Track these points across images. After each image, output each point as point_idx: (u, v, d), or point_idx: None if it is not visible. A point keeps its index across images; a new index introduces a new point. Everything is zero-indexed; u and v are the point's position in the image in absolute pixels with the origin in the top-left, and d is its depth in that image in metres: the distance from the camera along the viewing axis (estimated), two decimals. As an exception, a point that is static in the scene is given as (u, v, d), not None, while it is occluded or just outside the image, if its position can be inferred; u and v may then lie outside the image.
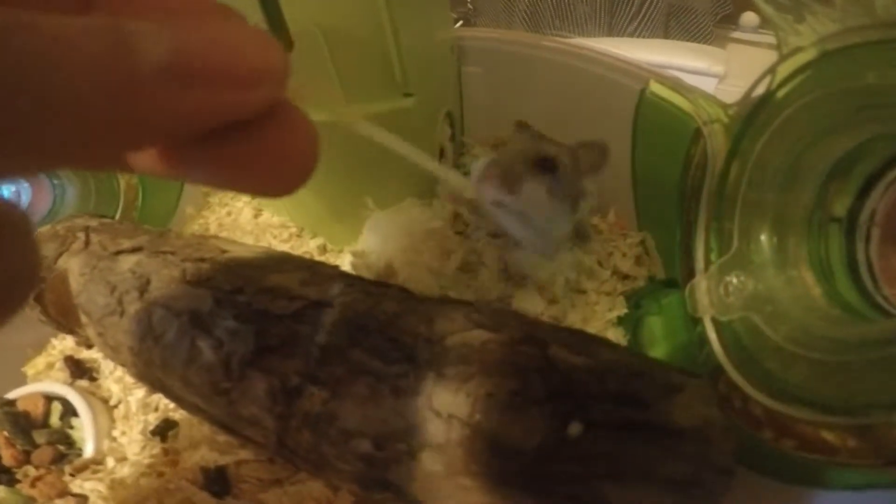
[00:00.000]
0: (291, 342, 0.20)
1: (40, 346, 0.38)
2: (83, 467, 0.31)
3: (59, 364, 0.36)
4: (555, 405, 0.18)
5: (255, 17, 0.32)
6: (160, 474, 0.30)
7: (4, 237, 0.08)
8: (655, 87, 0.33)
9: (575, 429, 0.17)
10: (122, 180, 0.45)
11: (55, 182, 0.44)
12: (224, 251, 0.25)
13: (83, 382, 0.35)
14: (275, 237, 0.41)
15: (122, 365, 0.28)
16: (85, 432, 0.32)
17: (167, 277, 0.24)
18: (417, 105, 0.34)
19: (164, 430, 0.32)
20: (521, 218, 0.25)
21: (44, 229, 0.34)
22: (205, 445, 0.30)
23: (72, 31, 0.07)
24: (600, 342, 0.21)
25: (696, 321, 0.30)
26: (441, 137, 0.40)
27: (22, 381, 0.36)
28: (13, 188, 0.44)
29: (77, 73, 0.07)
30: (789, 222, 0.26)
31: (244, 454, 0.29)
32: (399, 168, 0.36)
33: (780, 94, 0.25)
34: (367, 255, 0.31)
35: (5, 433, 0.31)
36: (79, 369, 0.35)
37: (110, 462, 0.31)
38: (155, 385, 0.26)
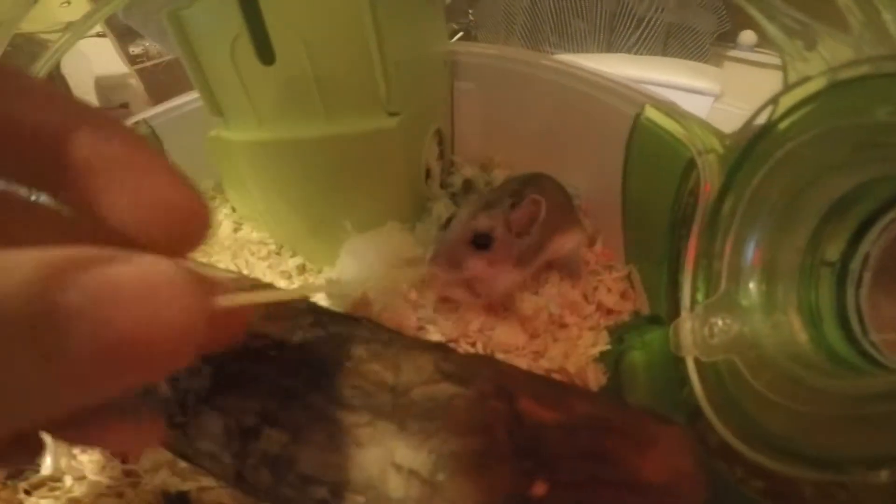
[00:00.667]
0: (250, 382, 0.19)
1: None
2: (40, 484, 0.30)
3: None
4: (520, 463, 0.17)
5: (238, 28, 0.31)
6: (120, 495, 0.29)
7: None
8: (651, 113, 0.33)
9: (539, 489, 0.17)
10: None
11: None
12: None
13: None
14: (253, 254, 0.40)
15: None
16: (44, 449, 0.31)
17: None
18: (403, 123, 0.33)
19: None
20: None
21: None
22: (166, 469, 0.29)
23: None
24: (575, 393, 0.20)
25: (679, 360, 0.29)
26: (428, 156, 0.39)
27: None
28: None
29: None
30: (780, 265, 0.26)
31: (206, 481, 0.28)
32: (379, 190, 0.35)
33: (783, 125, 0.24)
34: (343, 284, 0.30)
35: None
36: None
37: (68, 480, 0.30)
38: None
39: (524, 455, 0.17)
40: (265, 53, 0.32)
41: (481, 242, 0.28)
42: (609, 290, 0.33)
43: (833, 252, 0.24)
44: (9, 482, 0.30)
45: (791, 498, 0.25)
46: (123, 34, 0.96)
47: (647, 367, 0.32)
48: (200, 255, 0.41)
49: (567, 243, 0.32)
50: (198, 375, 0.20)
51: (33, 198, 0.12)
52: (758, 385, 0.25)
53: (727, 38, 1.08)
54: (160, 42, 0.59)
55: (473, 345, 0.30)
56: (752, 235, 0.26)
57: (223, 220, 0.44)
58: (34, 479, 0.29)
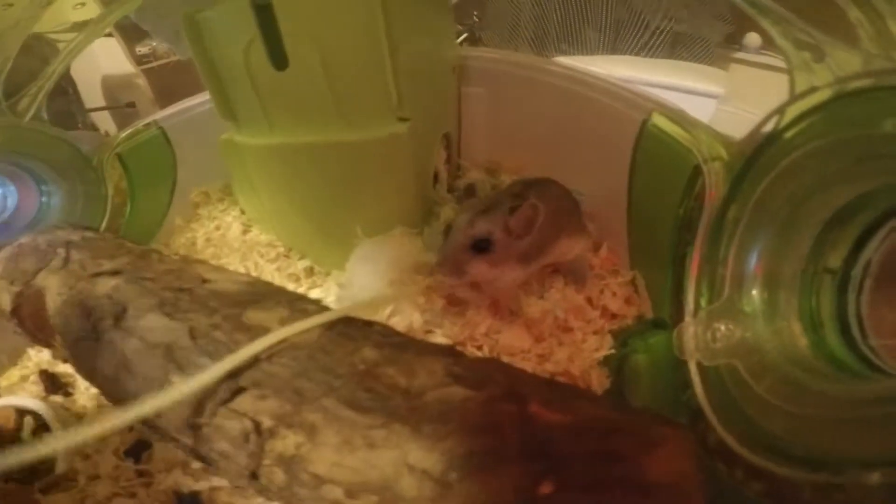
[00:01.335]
0: (266, 385, 0.20)
1: (15, 356, 0.37)
2: (54, 484, 0.31)
3: (34, 377, 0.35)
4: (529, 465, 0.18)
5: (252, 33, 0.32)
6: (132, 495, 0.29)
7: None
8: (658, 119, 0.33)
9: (546, 488, 0.17)
10: (111, 185, 0.45)
11: (43, 188, 0.43)
12: (205, 280, 0.25)
13: (57, 398, 0.34)
14: (262, 256, 0.40)
15: (97, 388, 0.27)
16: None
17: (144, 306, 0.24)
18: (414, 129, 0.34)
19: (138, 451, 0.31)
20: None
21: (25, 241, 0.33)
22: (179, 469, 0.29)
23: None
24: (581, 395, 0.21)
25: (682, 363, 0.29)
26: (436, 161, 0.39)
27: (-5, 391, 0.36)
28: (0, 191, 0.43)
29: None
30: (783, 272, 0.26)
31: (218, 481, 0.29)
32: (388, 195, 0.35)
33: (788, 135, 0.24)
34: (353, 287, 0.31)
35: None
36: (53, 384, 0.35)
37: (82, 480, 0.31)
38: (129, 411, 0.26)
39: (533, 456, 0.18)
40: (279, 59, 0.33)
41: (482, 246, 0.29)
42: (614, 294, 0.34)
43: (835, 259, 0.25)
44: (24, 482, 0.30)
45: (791, 499, 0.25)
46: (130, 34, 0.97)
47: (650, 371, 0.32)
48: (211, 258, 0.42)
49: (572, 248, 0.33)
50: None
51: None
52: (759, 389, 0.26)
53: (732, 40, 1.07)
54: (173, 44, 0.60)
55: (480, 348, 0.31)
56: (755, 243, 0.26)
57: (232, 223, 0.44)
58: (49, 478, 0.30)
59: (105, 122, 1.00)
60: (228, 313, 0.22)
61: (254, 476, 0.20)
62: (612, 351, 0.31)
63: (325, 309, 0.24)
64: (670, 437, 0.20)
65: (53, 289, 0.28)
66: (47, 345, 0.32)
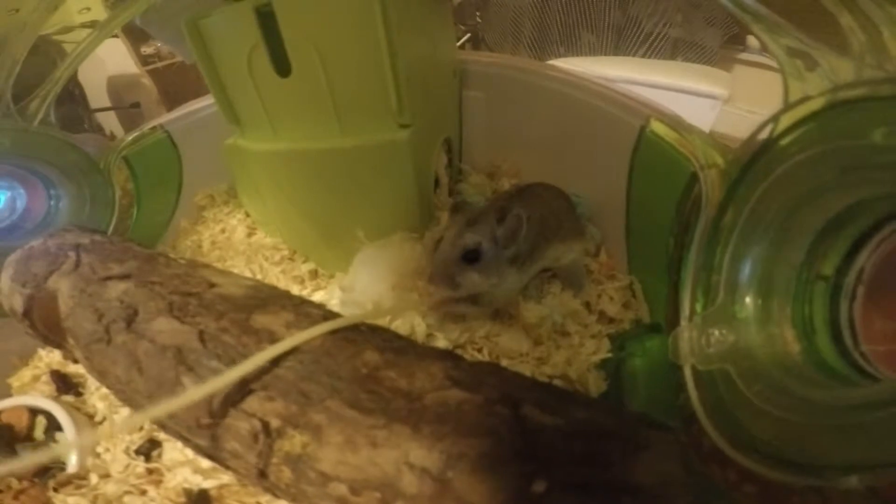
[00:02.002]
0: (273, 387, 0.21)
1: (26, 356, 0.38)
2: (66, 482, 0.31)
3: (45, 377, 0.36)
4: (521, 465, 0.18)
5: (255, 39, 0.32)
6: (143, 493, 0.30)
7: None
8: (656, 126, 0.33)
9: (539, 486, 0.18)
10: (118, 188, 0.46)
11: (51, 191, 0.44)
12: (212, 284, 0.26)
13: (69, 397, 0.35)
14: (267, 259, 0.41)
15: (109, 388, 0.28)
16: (69, 447, 0.32)
17: (154, 310, 0.24)
18: (414, 135, 0.35)
19: (149, 449, 0.32)
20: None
21: (36, 244, 0.34)
22: (188, 467, 0.30)
23: None
24: (574, 399, 0.21)
25: (677, 367, 0.30)
26: (437, 166, 0.40)
27: (5, 391, 0.37)
28: (9, 194, 0.44)
29: None
30: (776, 279, 0.26)
31: (226, 479, 0.29)
32: (389, 200, 0.36)
33: (782, 143, 0.25)
34: (356, 291, 0.31)
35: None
36: (65, 384, 0.35)
37: (94, 478, 0.31)
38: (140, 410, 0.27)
39: (526, 457, 0.18)
40: (281, 65, 0.33)
41: (471, 258, 0.29)
42: (611, 299, 0.34)
43: (828, 267, 0.25)
44: (36, 480, 0.31)
45: (781, 502, 0.26)
46: (136, 35, 0.98)
47: (646, 374, 0.33)
48: (216, 260, 0.42)
49: (567, 253, 0.33)
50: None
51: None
52: (749, 393, 0.26)
53: (736, 41, 1.07)
54: (177, 49, 0.60)
55: (480, 350, 0.32)
56: (749, 250, 0.27)
57: (237, 225, 0.45)
58: (61, 477, 0.31)
59: (110, 122, 1.00)
60: (236, 317, 0.23)
61: (262, 474, 0.21)
62: (610, 355, 0.32)
63: (329, 313, 0.25)
64: (656, 440, 0.21)
65: (65, 291, 0.29)
66: (58, 346, 0.33)
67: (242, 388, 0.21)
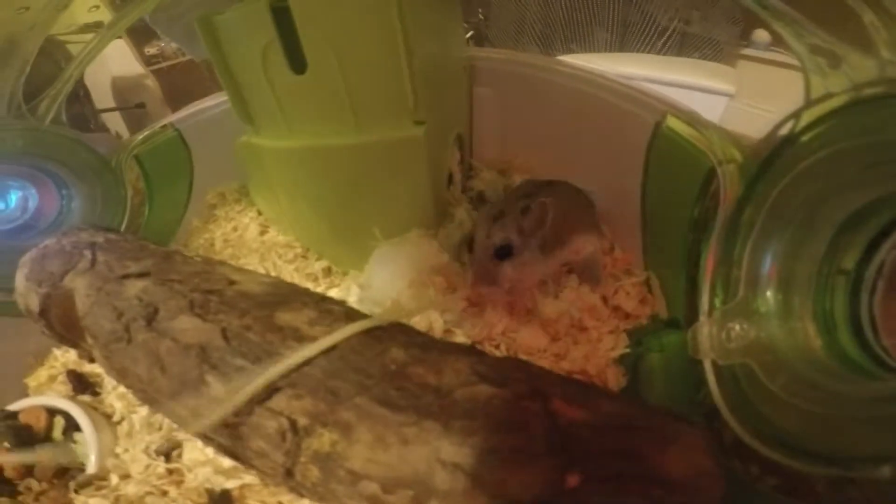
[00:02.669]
0: (301, 385, 0.20)
1: (42, 356, 0.38)
2: (87, 483, 0.31)
3: (62, 377, 0.36)
4: (553, 459, 0.18)
5: (269, 35, 0.32)
6: (164, 493, 0.30)
7: None
8: (672, 122, 0.33)
9: (572, 479, 0.18)
10: (129, 187, 0.45)
11: (63, 191, 0.44)
12: (232, 282, 0.26)
13: (85, 397, 0.35)
14: (280, 257, 0.41)
15: (128, 388, 0.28)
16: (88, 448, 0.32)
17: (175, 308, 0.24)
18: (429, 131, 0.34)
19: (169, 449, 0.32)
20: None
21: (50, 242, 0.34)
22: (209, 467, 0.30)
23: None
24: (600, 393, 0.22)
25: (697, 362, 0.30)
26: (451, 162, 0.40)
27: (22, 391, 0.37)
28: (20, 193, 0.44)
29: None
30: (797, 274, 0.26)
31: (248, 478, 0.29)
32: (404, 197, 0.36)
33: (804, 139, 0.24)
34: (374, 289, 0.31)
35: (6, 445, 0.31)
36: (81, 384, 0.35)
37: (114, 479, 0.31)
38: (162, 410, 0.27)
39: (557, 451, 0.18)
40: (297, 62, 0.33)
41: (503, 253, 0.31)
42: (628, 294, 0.34)
43: (849, 261, 0.25)
44: (56, 481, 0.31)
45: (804, 494, 0.26)
46: (139, 35, 0.97)
47: (664, 369, 0.33)
48: (229, 258, 0.42)
49: (586, 246, 0.34)
50: (251, 377, 0.21)
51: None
52: (773, 387, 0.26)
53: (741, 36, 1.06)
54: (186, 47, 0.60)
55: (497, 347, 0.32)
56: (770, 245, 0.27)
57: (250, 223, 0.45)
58: (81, 478, 0.31)
59: (116, 123, 1.00)
60: (258, 315, 0.23)
61: (289, 473, 0.21)
62: (628, 350, 0.32)
63: (350, 309, 0.25)
64: (685, 433, 0.21)
65: (82, 290, 0.29)
66: (75, 345, 0.33)
67: (269, 386, 0.21)
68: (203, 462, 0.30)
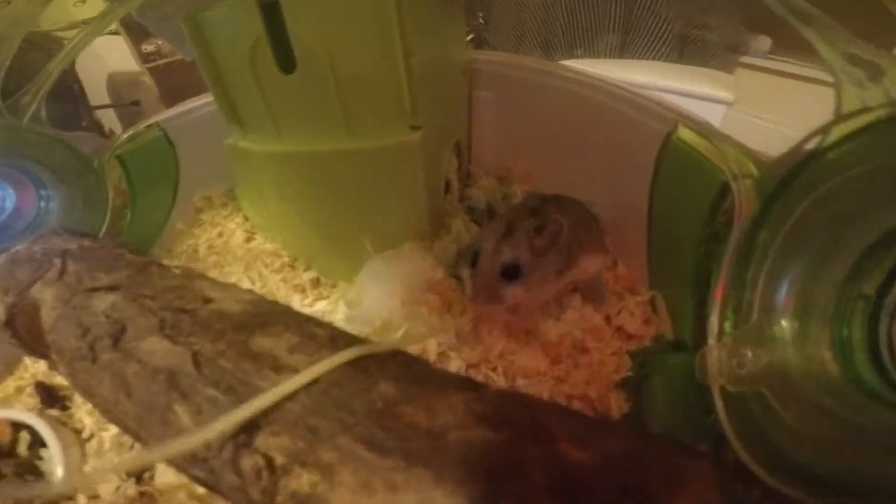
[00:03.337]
0: (278, 420, 0.19)
1: (12, 366, 0.36)
2: (54, 503, 0.29)
3: (30, 389, 0.34)
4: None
5: (257, 32, 0.30)
6: (134, 516, 0.28)
7: None
8: (683, 133, 0.31)
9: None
10: (111, 187, 0.43)
11: (41, 191, 0.42)
12: (208, 300, 0.24)
13: (54, 411, 0.33)
14: (266, 266, 0.39)
15: (95, 407, 0.26)
16: (54, 466, 0.30)
17: (144, 327, 0.22)
18: (426, 137, 0.33)
19: (140, 471, 0.30)
20: None
21: (21, 248, 0.32)
22: (183, 492, 0.28)
23: None
24: (606, 427, 0.20)
25: (704, 387, 0.28)
26: (448, 169, 0.38)
27: (-11, 403, 0.34)
28: (-2, 193, 0.42)
29: None
30: (816, 299, 0.25)
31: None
32: (398, 205, 0.34)
33: (831, 156, 0.23)
34: (364, 306, 0.29)
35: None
36: (50, 397, 0.33)
37: (81, 500, 0.29)
38: (129, 432, 0.25)
39: (560, 496, 0.17)
40: (286, 61, 0.31)
41: (511, 272, 0.29)
42: (632, 314, 0.32)
43: (870, 286, 0.24)
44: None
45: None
46: (136, 32, 0.95)
47: (667, 392, 0.31)
48: (213, 266, 0.40)
49: (592, 264, 0.32)
50: (222, 409, 0.19)
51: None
52: (786, 416, 0.25)
53: (741, 43, 1.06)
54: (176, 45, 0.58)
55: (495, 370, 0.30)
56: (789, 269, 0.25)
57: (236, 229, 0.43)
58: (47, 497, 0.29)
59: (110, 120, 0.98)
60: (234, 339, 0.21)
61: (265, 512, 0.19)
62: (631, 374, 0.30)
63: (336, 332, 0.23)
64: (695, 469, 0.19)
65: (48, 302, 0.27)
66: (44, 356, 0.31)
67: (241, 423, 0.19)
68: (177, 486, 0.28)
